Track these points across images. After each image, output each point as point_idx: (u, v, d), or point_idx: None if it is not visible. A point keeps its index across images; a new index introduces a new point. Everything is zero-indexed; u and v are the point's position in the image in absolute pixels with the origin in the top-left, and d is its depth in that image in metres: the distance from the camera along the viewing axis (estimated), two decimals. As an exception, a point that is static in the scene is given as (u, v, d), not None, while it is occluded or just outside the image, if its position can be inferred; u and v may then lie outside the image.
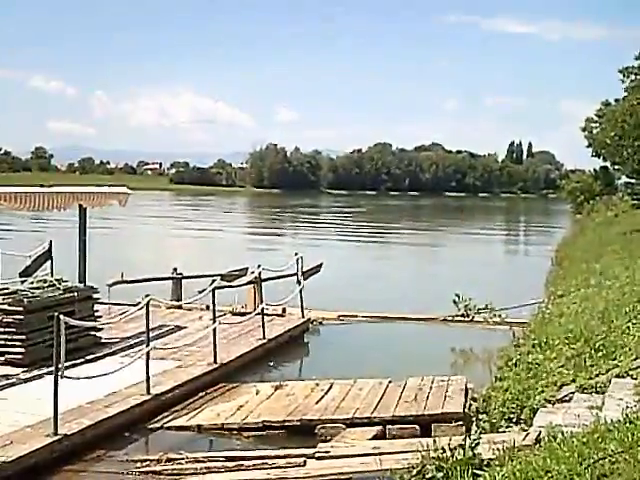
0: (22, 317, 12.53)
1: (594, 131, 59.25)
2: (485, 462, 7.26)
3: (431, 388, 11.59)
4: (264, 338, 15.28)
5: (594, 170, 64.56)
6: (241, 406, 11.33)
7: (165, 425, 10.67)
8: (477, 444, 7.47)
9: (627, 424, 6.93)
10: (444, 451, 7.44)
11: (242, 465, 8.85)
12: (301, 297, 17.56)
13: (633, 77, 39.85)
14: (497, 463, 7.15)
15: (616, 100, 55.39)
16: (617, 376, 9.78)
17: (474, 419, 10.14)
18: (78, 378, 10.16)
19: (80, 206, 14.89)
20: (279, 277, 18.73)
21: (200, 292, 15.02)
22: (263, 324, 15.44)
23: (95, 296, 14.59)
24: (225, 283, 16.72)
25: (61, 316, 9.43)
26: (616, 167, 60.79)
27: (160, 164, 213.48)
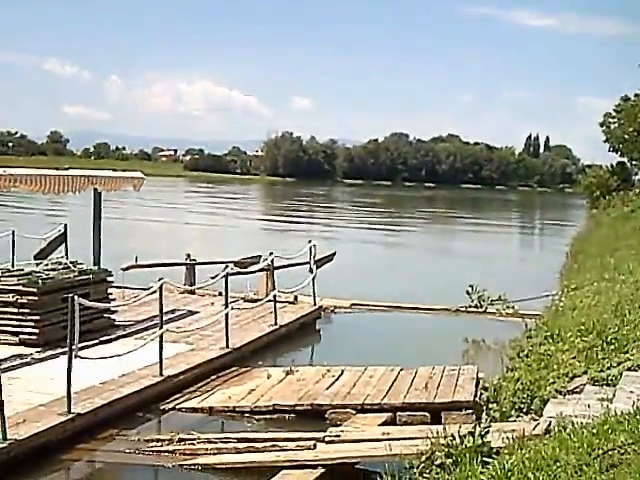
0: (36, 298, 12.62)
1: (612, 126, 59.01)
2: (494, 450, 7.29)
3: (442, 377, 11.60)
4: (276, 324, 15.33)
5: (611, 165, 64.15)
6: (252, 390, 11.39)
7: (177, 406, 10.75)
8: (487, 432, 7.51)
9: (637, 416, 6.96)
10: (454, 438, 7.47)
11: (253, 447, 8.92)
12: (313, 285, 17.57)
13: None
14: (506, 451, 7.18)
15: (635, 95, 55.09)
16: (628, 369, 9.79)
17: (484, 408, 10.16)
18: (92, 358, 10.25)
19: (95, 190, 14.93)
20: (292, 265, 18.71)
21: (213, 278, 15.09)
22: (275, 311, 15.50)
23: (109, 279, 14.66)
24: (238, 270, 16.76)
25: (75, 297, 9.48)
26: (633, 162, 60.58)
27: (175, 151, 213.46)
